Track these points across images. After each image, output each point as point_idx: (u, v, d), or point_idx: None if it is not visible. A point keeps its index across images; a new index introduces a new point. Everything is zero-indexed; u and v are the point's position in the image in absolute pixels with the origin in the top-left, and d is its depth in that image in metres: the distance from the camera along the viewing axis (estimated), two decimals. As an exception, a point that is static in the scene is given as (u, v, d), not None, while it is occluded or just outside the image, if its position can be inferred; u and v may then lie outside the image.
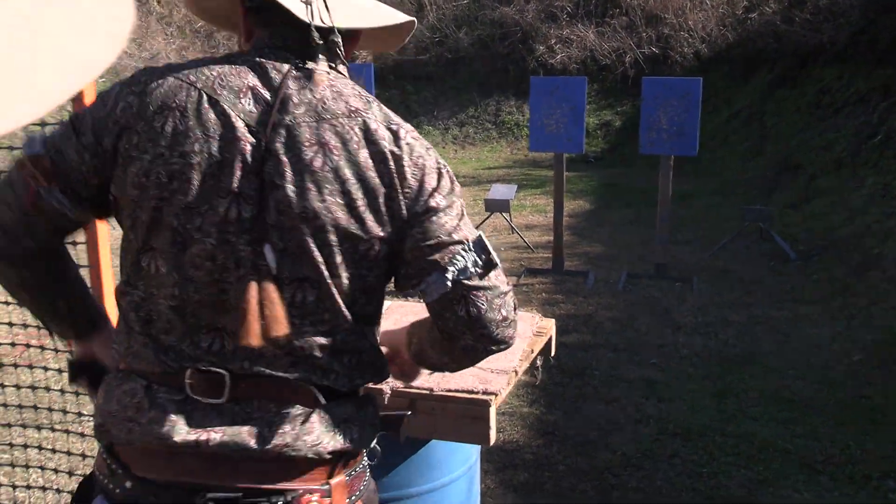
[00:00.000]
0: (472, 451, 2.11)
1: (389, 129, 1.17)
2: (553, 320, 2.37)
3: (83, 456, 2.92)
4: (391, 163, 1.15)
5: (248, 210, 1.13)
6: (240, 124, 1.13)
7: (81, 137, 1.18)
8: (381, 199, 1.15)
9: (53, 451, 3.00)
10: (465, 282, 1.17)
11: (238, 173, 1.13)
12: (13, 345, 3.03)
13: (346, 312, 1.18)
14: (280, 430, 1.15)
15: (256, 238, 1.14)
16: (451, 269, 1.16)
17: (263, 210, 1.13)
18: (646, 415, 3.95)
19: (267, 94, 1.15)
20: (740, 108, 11.39)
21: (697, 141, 5.89)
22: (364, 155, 1.14)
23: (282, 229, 1.13)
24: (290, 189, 1.12)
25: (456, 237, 1.18)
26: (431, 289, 1.18)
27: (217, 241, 1.14)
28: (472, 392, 1.78)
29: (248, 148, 1.13)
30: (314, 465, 1.18)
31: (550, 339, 2.31)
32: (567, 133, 5.98)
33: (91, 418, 2.94)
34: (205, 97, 1.14)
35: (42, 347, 3.06)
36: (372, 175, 1.14)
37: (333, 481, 1.19)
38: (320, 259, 1.15)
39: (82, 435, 2.94)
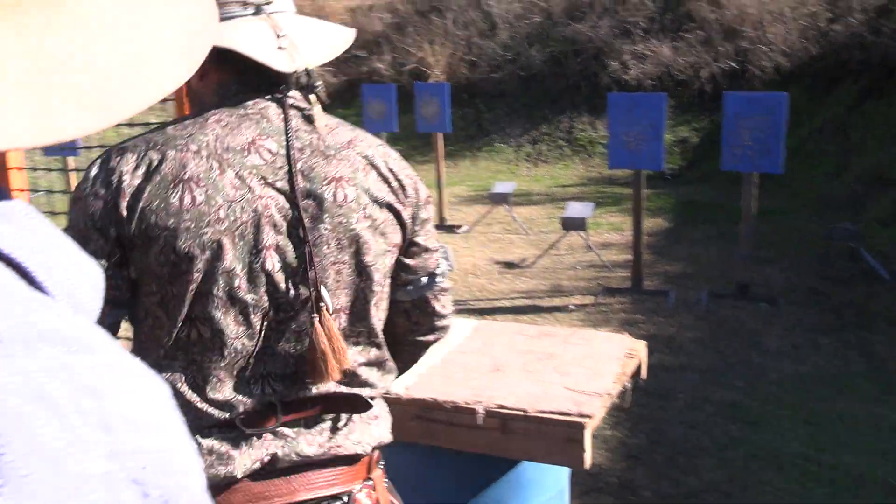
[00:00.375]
0: (563, 474, 2.08)
1: (380, 151, 1.29)
2: (643, 342, 2.32)
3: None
4: (392, 180, 1.28)
5: (282, 260, 1.19)
6: (254, 182, 1.18)
7: (88, 246, 1.15)
8: (393, 214, 1.27)
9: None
10: (440, 284, 1.36)
11: (267, 228, 1.18)
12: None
13: (375, 328, 1.30)
14: (331, 434, 1.24)
15: (295, 283, 1.19)
16: (438, 272, 1.36)
17: (299, 255, 1.19)
18: (733, 440, 3.82)
19: (269, 145, 1.20)
20: (824, 121, 11.02)
21: (783, 157, 5.71)
22: (373, 178, 1.25)
23: (320, 268, 1.21)
24: (324, 228, 1.20)
25: (439, 245, 1.38)
26: (418, 289, 1.34)
27: (257, 295, 1.18)
28: (566, 414, 1.75)
29: (270, 202, 1.18)
30: (359, 462, 1.27)
31: (641, 362, 2.26)
32: (647, 150, 5.88)
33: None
34: (214, 164, 1.16)
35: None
36: (383, 195, 1.25)
37: (374, 475, 1.30)
38: (357, 285, 1.25)
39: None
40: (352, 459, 1.26)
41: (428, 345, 1.44)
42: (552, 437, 1.75)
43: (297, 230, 1.18)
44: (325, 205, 1.20)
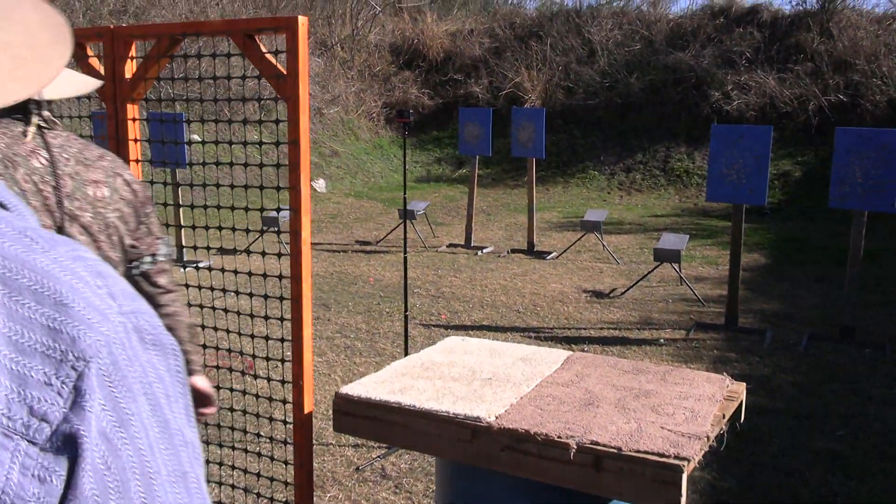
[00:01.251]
0: (654, 517, 2.00)
1: (120, 163, 1.70)
2: (744, 384, 2.23)
3: (258, 475, 3.06)
4: (130, 184, 1.71)
5: None
6: (37, 179, 1.53)
7: None
8: (132, 208, 1.70)
9: (233, 467, 3.16)
10: (162, 263, 1.81)
11: (46, 214, 1.53)
12: (205, 366, 3.24)
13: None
14: None
15: None
16: (159, 253, 1.80)
17: (64, 235, 1.59)
18: (833, 491, 3.62)
19: (43, 153, 1.57)
20: (942, 161, 10.43)
21: (897, 196, 5.43)
22: (119, 182, 1.68)
23: (86, 245, 1.57)
24: (88, 216, 1.60)
25: (161, 234, 1.83)
26: (145, 265, 1.78)
27: None
28: (663, 455, 1.69)
29: (49, 196, 1.55)
30: None
31: (741, 404, 2.17)
32: (749, 183, 5.70)
33: (266, 439, 3.07)
34: (8, 163, 1.49)
35: (230, 369, 3.25)
36: (125, 194, 1.68)
37: None
38: (112, 258, 1.66)
39: (258, 454, 3.08)
40: None
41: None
42: (646, 478, 1.69)
43: (62, 217, 1.56)
44: (88, 199, 1.60)
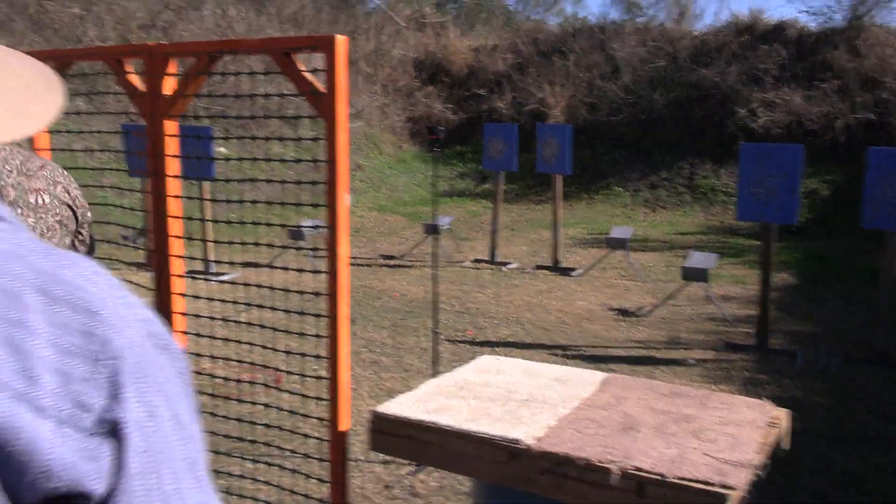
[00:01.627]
0: (695, 544, 1.97)
1: (59, 171, 1.84)
2: (786, 410, 2.20)
3: (292, 492, 3.05)
4: (70, 191, 1.85)
5: None
6: None
7: None
8: (71, 211, 1.83)
9: (267, 483, 3.16)
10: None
11: None
12: (238, 381, 3.25)
13: None
14: None
15: None
16: (82, 249, 1.97)
17: None
18: (868, 519, 3.56)
19: None
20: (973, 180, 10.28)
21: (931, 217, 5.36)
22: (59, 189, 1.82)
23: None
24: (31, 221, 1.72)
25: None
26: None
27: None
28: (708, 483, 1.67)
29: None
30: None
31: (784, 431, 2.14)
32: (779, 202, 5.65)
33: (300, 456, 3.07)
34: None
35: (265, 384, 3.26)
36: (66, 199, 1.82)
37: None
38: None
39: (293, 472, 3.08)
40: None
41: None
42: (691, 506, 1.67)
43: None
44: (30, 206, 1.75)
